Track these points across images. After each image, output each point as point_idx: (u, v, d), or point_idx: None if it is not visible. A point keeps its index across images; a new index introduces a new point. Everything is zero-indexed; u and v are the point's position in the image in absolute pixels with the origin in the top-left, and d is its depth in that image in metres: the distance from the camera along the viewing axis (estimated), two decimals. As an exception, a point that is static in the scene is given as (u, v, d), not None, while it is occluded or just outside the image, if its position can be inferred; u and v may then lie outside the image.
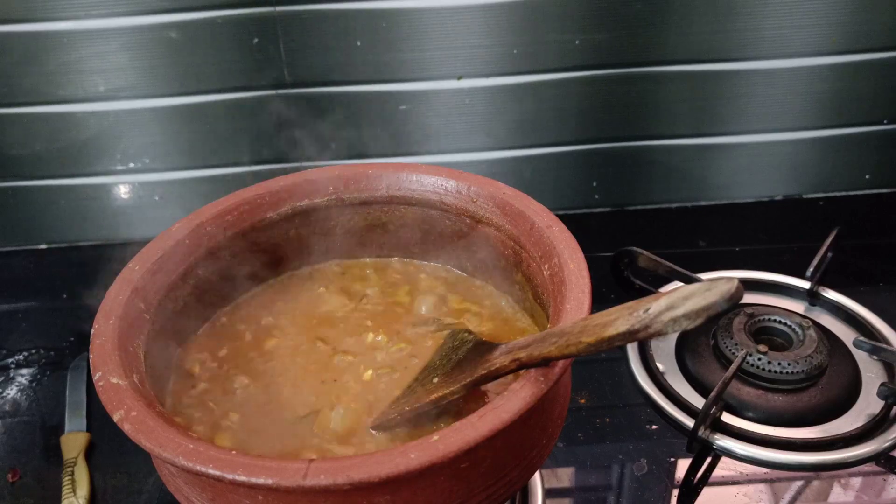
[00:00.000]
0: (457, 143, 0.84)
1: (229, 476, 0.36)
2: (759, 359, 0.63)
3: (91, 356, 0.43)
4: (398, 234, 0.60)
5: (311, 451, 0.46)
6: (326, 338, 0.55)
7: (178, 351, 0.54)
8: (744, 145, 0.87)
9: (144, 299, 0.49)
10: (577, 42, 0.78)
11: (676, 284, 0.72)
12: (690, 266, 0.71)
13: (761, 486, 0.57)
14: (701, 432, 0.59)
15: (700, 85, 0.82)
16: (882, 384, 0.61)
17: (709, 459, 0.59)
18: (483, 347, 0.45)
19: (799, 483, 0.58)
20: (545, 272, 0.49)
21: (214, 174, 0.85)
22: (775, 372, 0.62)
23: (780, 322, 0.67)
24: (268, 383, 0.51)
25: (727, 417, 0.61)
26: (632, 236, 0.79)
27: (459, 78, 0.80)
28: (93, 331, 0.45)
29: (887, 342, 0.67)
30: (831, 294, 0.72)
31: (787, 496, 0.57)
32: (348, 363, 0.52)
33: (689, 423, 0.60)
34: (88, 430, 0.64)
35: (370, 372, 0.51)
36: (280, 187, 0.58)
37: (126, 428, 0.39)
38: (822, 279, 0.73)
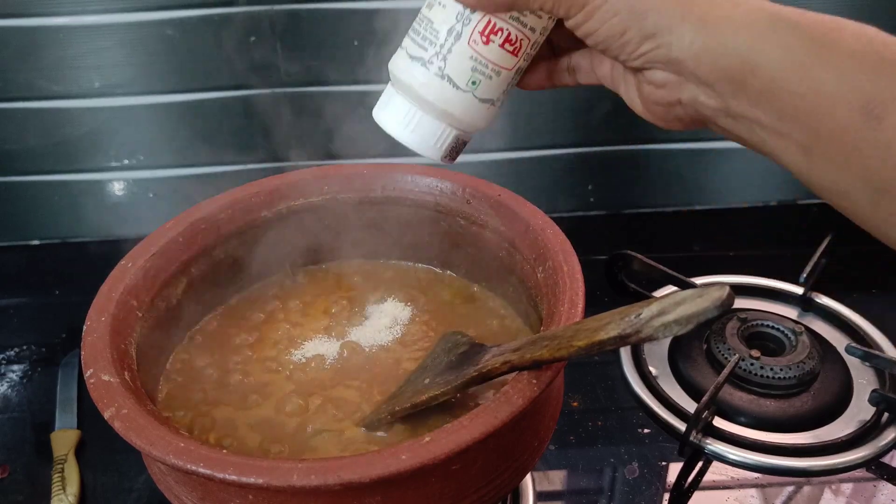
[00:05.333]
0: (453, 144, 0.84)
1: (220, 475, 0.36)
2: (752, 364, 0.63)
3: (82, 353, 0.43)
4: (392, 235, 0.60)
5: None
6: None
7: (171, 349, 0.53)
8: (739, 150, 0.85)
9: (137, 297, 0.49)
10: (574, 45, 0.78)
11: (670, 288, 0.72)
12: (685, 270, 0.71)
13: (752, 491, 0.57)
14: (693, 436, 0.59)
15: (696, 89, 0.82)
16: (874, 390, 0.62)
17: (700, 464, 0.59)
18: (475, 349, 0.45)
19: (790, 488, 0.58)
20: (539, 275, 0.49)
21: (209, 172, 0.84)
22: (767, 377, 0.62)
23: (772, 327, 0.67)
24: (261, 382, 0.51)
25: (719, 422, 0.61)
26: (627, 240, 0.79)
27: (456, 79, 0.80)
28: (85, 327, 0.45)
29: (879, 349, 0.67)
30: (824, 300, 0.72)
31: (778, 501, 0.57)
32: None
33: (681, 427, 0.60)
34: (79, 427, 0.63)
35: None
36: (275, 186, 0.58)
37: (117, 425, 0.39)
38: (816, 285, 0.73)
